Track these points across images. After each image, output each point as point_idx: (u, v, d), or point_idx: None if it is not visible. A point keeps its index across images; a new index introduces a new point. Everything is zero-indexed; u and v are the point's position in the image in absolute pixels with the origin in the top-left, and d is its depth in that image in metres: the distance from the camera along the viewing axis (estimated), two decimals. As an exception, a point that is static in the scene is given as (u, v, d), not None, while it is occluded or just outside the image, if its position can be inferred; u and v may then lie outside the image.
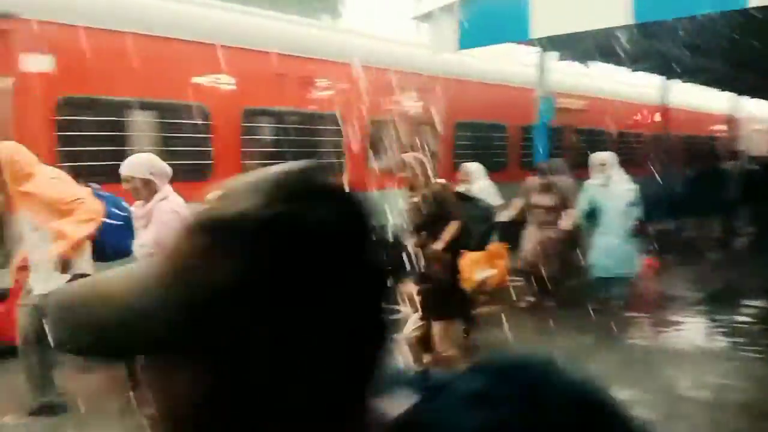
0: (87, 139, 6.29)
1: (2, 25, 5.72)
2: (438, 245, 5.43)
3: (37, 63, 5.89)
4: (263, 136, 8.17)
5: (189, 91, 6.91)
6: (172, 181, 4.42)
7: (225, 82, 7.44)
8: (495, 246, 6.36)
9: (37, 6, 5.96)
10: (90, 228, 4.22)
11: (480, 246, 5.88)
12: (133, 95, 6.56)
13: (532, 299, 7.56)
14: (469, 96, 10.33)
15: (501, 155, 11.23)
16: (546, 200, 7.55)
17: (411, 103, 9.45)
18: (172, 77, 6.88)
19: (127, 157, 6.56)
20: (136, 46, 6.54)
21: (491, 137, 11.21)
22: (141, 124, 6.79)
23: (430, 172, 5.72)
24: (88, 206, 4.26)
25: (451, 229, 5.46)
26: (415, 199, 5.72)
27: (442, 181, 5.89)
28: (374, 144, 8.94)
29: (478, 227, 5.99)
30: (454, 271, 5.35)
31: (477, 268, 5.96)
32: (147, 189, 4.18)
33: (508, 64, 11.57)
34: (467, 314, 5.79)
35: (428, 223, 5.52)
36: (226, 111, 7.35)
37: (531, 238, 7.64)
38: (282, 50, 7.83)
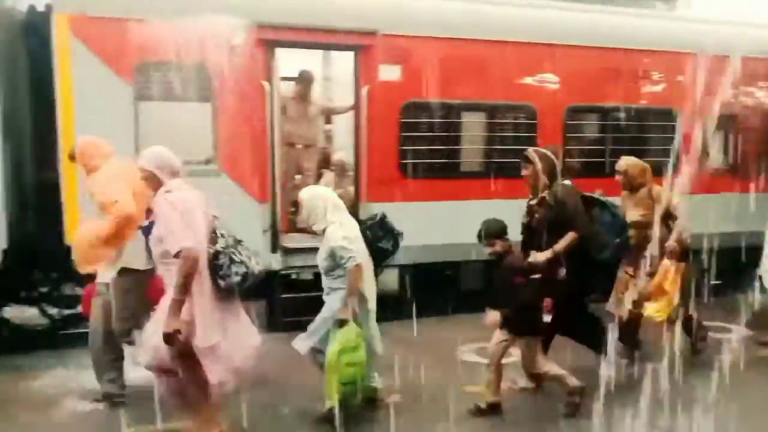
0: (426, 139, 7.01)
1: (366, 41, 6.69)
2: (542, 255, 4.75)
3: (389, 73, 6.78)
4: (586, 134, 8.03)
5: (517, 91, 7.19)
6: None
7: (550, 80, 7.52)
8: (683, 266, 5.44)
9: (391, 22, 6.82)
10: (107, 228, 4.40)
11: (610, 263, 5.14)
12: (466, 98, 7.07)
13: None
14: None
15: None
16: None
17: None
18: (501, 79, 7.21)
19: (462, 154, 7.20)
20: (468, 51, 7.06)
21: None
22: (473, 124, 7.28)
23: (557, 170, 4.98)
24: (119, 208, 4.40)
25: (566, 240, 4.76)
26: (532, 202, 5.08)
27: (567, 182, 5.04)
28: (711, 142, 8.07)
29: (609, 239, 4.99)
30: (548, 290, 4.64)
31: (676, 288, 5.34)
32: (153, 182, 4.05)
33: None
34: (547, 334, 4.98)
35: (541, 230, 4.85)
36: (550, 109, 7.44)
37: None
38: (610, 44, 7.61)
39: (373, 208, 6.78)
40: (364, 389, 4.67)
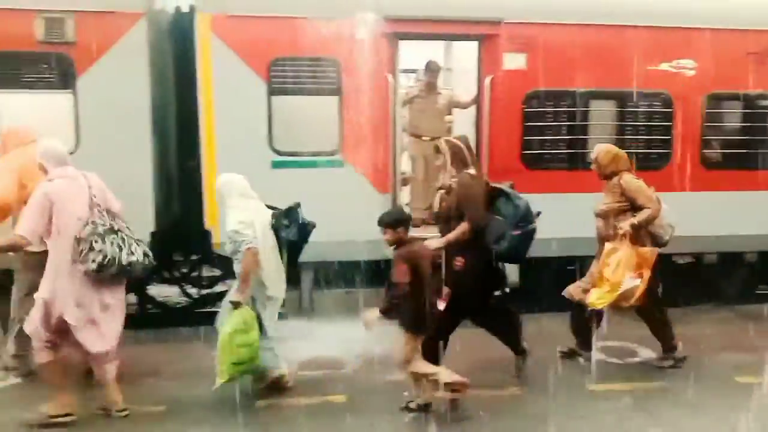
0: (551, 129, 6.82)
1: (490, 30, 6.62)
2: (434, 244, 4.77)
3: (513, 61, 6.66)
4: (727, 123, 7.45)
5: (651, 78, 6.81)
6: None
7: (688, 66, 7.05)
8: (647, 250, 5.15)
9: (516, 10, 6.68)
10: None
11: (511, 255, 4.92)
12: (594, 86, 6.79)
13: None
14: None
15: None
16: None
17: None
18: (633, 65, 6.85)
19: (589, 145, 6.93)
20: (597, 37, 6.77)
21: None
22: (601, 113, 6.98)
23: (466, 160, 4.97)
24: None
25: (458, 229, 4.74)
26: (442, 191, 5.01)
27: (472, 171, 4.95)
28: None
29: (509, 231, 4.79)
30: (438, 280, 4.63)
31: (625, 273, 5.01)
32: (44, 171, 4.43)
33: None
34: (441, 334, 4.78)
35: (448, 219, 4.86)
36: (688, 97, 6.98)
37: None
38: (753, 26, 7.02)
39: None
40: (262, 374, 4.82)
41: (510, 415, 4.65)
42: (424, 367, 4.50)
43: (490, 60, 6.71)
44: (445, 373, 4.45)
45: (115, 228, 4.37)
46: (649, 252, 5.17)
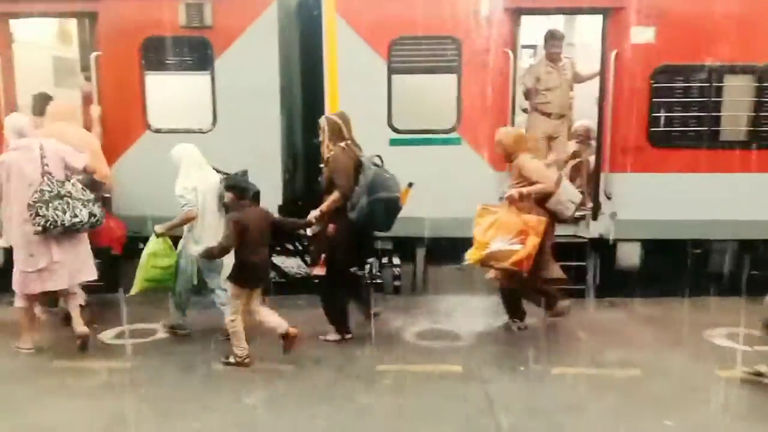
0: (680, 105, 6.49)
1: (617, 3, 6.37)
2: (312, 214, 5.35)
3: (641, 35, 6.38)
4: None
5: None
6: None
7: None
8: (534, 219, 5.26)
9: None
10: None
11: (368, 223, 5.33)
12: (730, 60, 6.37)
13: None
14: None
15: None
16: None
17: None
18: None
19: (722, 122, 6.53)
20: (735, 7, 6.32)
21: None
22: (737, 89, 6.55)
23: (343, 134, 5.40)
24: None
25: (330, 199, 5.29)
26: (322, 165, 5.44)
27: (343, 144, 5.39)
28: None
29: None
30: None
31: (498, 235, 5.21)
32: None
33: None
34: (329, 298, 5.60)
35: (326, 189, 5.38)
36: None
37: None
38: None
39: (614, 180, 6.54)
40: (179, 303, 5.68)
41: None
42: (266, 317, 5.12)
43: (615, 34, 6.47)
44: (282, 324, 5.09)
45: (62, 193, 5.15)
46: (536, 221, 5.27)
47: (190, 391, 4.66)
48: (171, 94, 6.68)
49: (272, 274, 7.83)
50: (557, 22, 8.14)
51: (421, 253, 6.96)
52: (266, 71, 6.49)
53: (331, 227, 5.35)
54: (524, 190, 5.35)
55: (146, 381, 4.81)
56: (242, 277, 5.08)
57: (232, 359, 5.09)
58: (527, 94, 7.08)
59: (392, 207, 5.36)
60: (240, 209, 5.07)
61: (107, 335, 5.78)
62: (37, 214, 5.06)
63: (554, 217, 5.54)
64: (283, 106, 6.65)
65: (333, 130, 5.43)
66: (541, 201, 5.45)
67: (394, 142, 6.57)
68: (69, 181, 5.25)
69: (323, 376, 4.90)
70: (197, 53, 6.56)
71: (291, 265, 9.97)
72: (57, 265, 5.28)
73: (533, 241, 5.18)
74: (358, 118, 6.49)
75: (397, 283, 7.43)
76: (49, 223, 5.07)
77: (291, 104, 6.96)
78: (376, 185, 5.22)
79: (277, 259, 8.74)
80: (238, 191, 5.10)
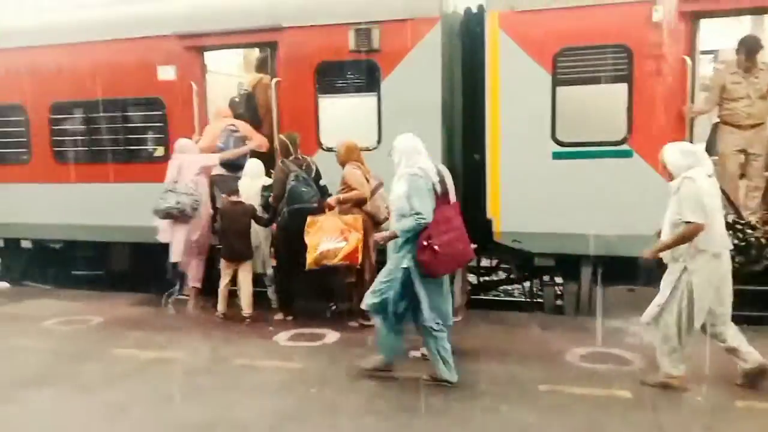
0: None
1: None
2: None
3: None
4: None
5: None
6: None
7: None
8: (350, 218, 6.12)
9: None
10: None
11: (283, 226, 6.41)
12: None
13: None
14: None
15: None
16: None
17: None
18: None
19: None
20: None
21: None
22: None
23: (290, 151, 6.52)
24: None
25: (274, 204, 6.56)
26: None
27: (282, 160, 6.55)
28: None
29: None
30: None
31: (323, 237, 6.03)
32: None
33: None
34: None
35: None
36: None
37: None
38: None
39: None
40: None
41: None
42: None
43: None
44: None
45: (170, 189, 6.77)
46: (352, 219, 6.08)
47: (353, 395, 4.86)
48: (340, 115, 7.11)
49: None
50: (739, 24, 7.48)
51: (586, 271, 6.68)
52: (429, 90, 6.68)
53: (274, 228, 6.61)
54: (341, 196, 6.19)
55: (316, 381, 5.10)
56: (227, 254, 6.81)
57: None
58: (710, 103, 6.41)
59: (304, 216, 6.18)
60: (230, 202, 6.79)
61: (282, 337, 6.24)
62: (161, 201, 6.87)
63: (372, 218, 6.27)
64: (443, 124, 6.78)
65: (281, 148, 6.60)
66: (359, 204, 6.21)
67: (557, 156, 6.41)
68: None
69: (481, 390, 4.86)
70: (365, 75, 6.92)
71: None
72: (183, 242, 7.04)
73: (356, 236, 5.98)
74: (519, 133, 6.47)
75: (558, 302, 7.19)
76: (161, 210, 6.80)
77: (452, 121, 7.07)
78: (292, 197, 6.30)
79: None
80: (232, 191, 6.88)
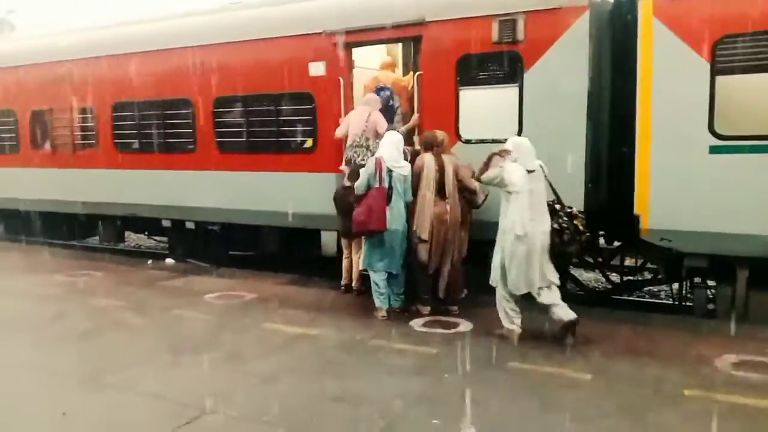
0: None
1: None
2: None
3: None
4: None
5: None
6: None
7: None
8: None
9: None
10: None
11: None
12: None
13: None
14: None
15: None
16: None
17: None
18: None
19: None
20: None
21: None
22: None
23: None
24: None
25: None
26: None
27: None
28: None
29: None
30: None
31: None
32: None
33: None
34: None
35: None
36: None
37: None
38: None
39: None
40: None
41: None
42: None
43: None
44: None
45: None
46: None
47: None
48: (479, 106, 7.13)
49: (570, 285, 7.81)
50: None
51: (743, 274, 6.20)
52: (575, 81, 6.49)
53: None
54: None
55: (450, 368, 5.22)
56: (345, 234, 7.48)
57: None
58: None
59: None
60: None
61: (417, 323, 6.43)
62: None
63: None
64: (590, 115, 6.57)
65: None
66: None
67: (715, 150, 5.99)
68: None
69: (623, 389, 4.72)
70: (507, 67, 6.87)
71: (590, 278, 9.76)
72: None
73: None
74: (673, 125, 6.13)
75: (710, 306, 6.73)
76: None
77: (599, 112, 6.83)
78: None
79: (576, 271, 8.63)
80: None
